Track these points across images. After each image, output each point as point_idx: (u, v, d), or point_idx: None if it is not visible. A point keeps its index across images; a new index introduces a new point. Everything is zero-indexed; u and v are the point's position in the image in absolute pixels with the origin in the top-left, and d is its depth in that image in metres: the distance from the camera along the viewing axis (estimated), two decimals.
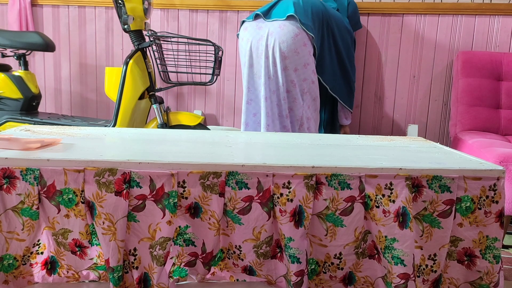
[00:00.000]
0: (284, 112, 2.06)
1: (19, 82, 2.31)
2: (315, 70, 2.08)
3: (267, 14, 2.08)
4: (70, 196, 1.04)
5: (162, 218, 1.06)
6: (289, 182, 1.06)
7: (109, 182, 1.03)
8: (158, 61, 2.15)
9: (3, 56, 2.34)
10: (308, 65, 2.02)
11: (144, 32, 2.15)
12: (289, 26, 1.97)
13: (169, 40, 2.18)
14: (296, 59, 1.99)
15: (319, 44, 2.10)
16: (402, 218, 1.07)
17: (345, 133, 2.50)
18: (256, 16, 2.11)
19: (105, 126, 2.17)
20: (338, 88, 2.24)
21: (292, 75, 2.01)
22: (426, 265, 1.12)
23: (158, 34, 2.15)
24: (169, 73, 2.24)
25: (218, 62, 2.13)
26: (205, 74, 2.16)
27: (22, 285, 1.12)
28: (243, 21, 2.17)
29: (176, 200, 1.04)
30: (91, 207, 1.04)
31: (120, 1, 2.06)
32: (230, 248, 1.14)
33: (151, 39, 2.08)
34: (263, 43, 2.03)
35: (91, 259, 1.13)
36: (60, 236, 1.09)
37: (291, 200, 1.06)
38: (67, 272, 1.14)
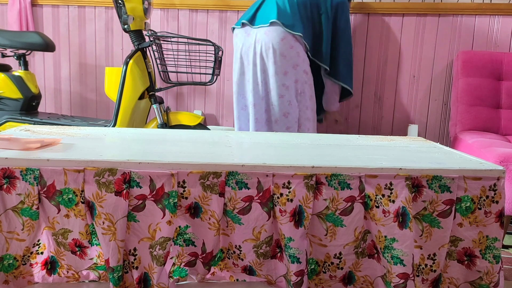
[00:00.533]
0: (274, 118, 2.06)
1: (19, 82, 2.31)
2: (307, 69, 2.06)
3: (252, 20, 2.08)
4: (70, 196, 1.04)
5: (162, 218, 1.06)
6: (289, 182, 1.06)
7: (109, 182, 1.03)
8: (158, 61, 2.15)
9: (3, 56, 2.34)
10: (297, 66, 2.01)
11: (144, 32, 2.15)
12: (274, 31, 1.98)
13: (169, 40, 2.18)
14: (284, 63, 2.00)
15: (311, 34, 2.07)
16: (401, 218, 1.07)
17: (336, 120, 2.39)
18: (243, 24, 2.11)
19: (105, 126, 2.17)
20: (334, 68, 2.16)
21: (283, 79, 2.01)
22: (426, 265, 1.12)
23: (158, 34, 2.15)
24: (169, 73, 2.24)
25: (218, 62, 2.13)
26: (205, 74, 2.16)
27: (22, 285, 1.12)
28: (233, 28, 2.18)
29: (176, 200, 1.04)
30: (91, 207, 1.05)
31: (120, 1, 2.06)
32: (230, 248, 1.14)
33: (151, 39, 2.09)
34: (252, 50, 2.05)
35: (91, 259, 1.13)
36: (60, 236, 1.09)
37: (291, 200, 1.06)
38: (67, 272, 1.14)
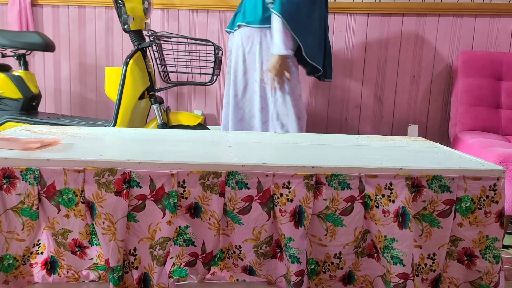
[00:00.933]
0: (251, 113, 2.10)
1: (19, 82, 2.31)
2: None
3: (232, 24, 2.15)
4: (70, 196, 1.04)
5: (162, 218, 1.06)
6: (289, 182, 1.06)
7: (109, 182, 1.03)
8: (158, 61, 2.15)
9: (3, 56, 2.33)
10: (269, 61, 2.03)
11: (144, 32, 2.15)
12: (242, 31, 2.05)
13: (169, 40, 2.18)
14: (254, 59, 2.04)
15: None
16: (401, 218, 1.07)
17: (272, 84, 2.03)
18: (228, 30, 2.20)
19: (105, 126, 2.17)
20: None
21: (255, 75, 2.05)
22: (425, 264, 1.12)
23: (158, 34, 2.15)
24: (169, 73, 2.24)
25: (218, 62, 2.14)
26: (205, 74, 2.16)
27: (22, 285, 1.12)
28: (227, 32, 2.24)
29: (176, 200, 1.04)
30: (91, 207, 1.05)
31: (120, 1, 2.06)
32: (230, 248, 1.14)
33: (151, 39, 2.09)
34: (230, 51, 2.12)
35: (91, 259, 1.13)
36: (60, 236, 1.09)
37: (291, 200, 1.06)
38: (67, 272, 1.14)
